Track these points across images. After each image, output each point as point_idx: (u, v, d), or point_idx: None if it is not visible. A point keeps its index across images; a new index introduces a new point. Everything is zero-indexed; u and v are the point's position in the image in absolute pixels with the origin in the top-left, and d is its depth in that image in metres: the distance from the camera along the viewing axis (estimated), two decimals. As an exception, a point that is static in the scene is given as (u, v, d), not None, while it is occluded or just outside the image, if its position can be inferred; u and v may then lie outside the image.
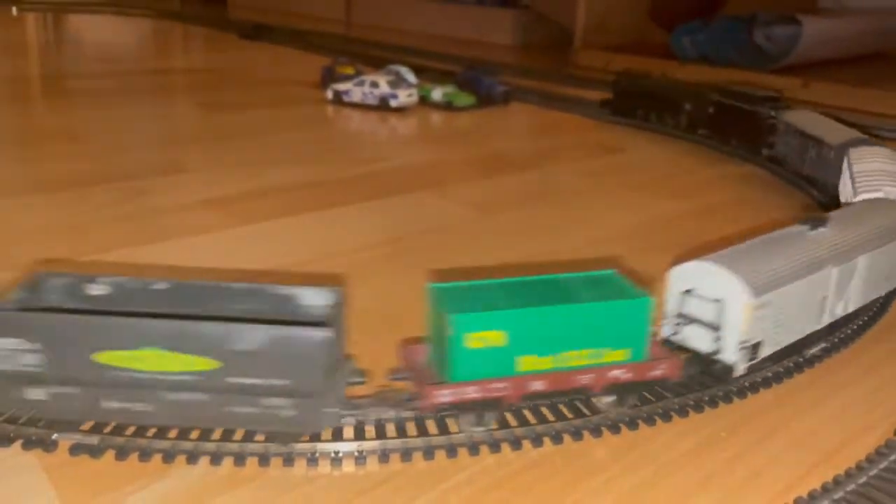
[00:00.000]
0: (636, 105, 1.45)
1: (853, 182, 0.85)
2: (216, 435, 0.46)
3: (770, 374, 0.57)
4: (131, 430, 0.46)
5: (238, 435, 0.47)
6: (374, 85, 1.49)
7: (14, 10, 3.06)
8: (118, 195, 0.94)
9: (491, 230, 0.88)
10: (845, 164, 0.92)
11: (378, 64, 1.88)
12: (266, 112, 1.45)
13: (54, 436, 0.45)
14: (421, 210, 0.93)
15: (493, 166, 1.15)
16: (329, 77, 1.66)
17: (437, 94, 1.55)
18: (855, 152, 0.93)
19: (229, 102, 1.54)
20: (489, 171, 1.12)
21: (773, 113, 1.18)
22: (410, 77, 1.63)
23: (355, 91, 1.51)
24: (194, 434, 0.46)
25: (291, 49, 2.37)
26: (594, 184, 1.08)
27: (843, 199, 0.88)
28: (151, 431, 0.46)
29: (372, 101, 1.49)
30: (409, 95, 1.50)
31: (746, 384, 0.55)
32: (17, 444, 0.45)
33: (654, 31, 2.46)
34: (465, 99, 1.55)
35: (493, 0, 2.77)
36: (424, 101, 1.56)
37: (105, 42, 2.45)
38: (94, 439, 0.45)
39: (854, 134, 1.01)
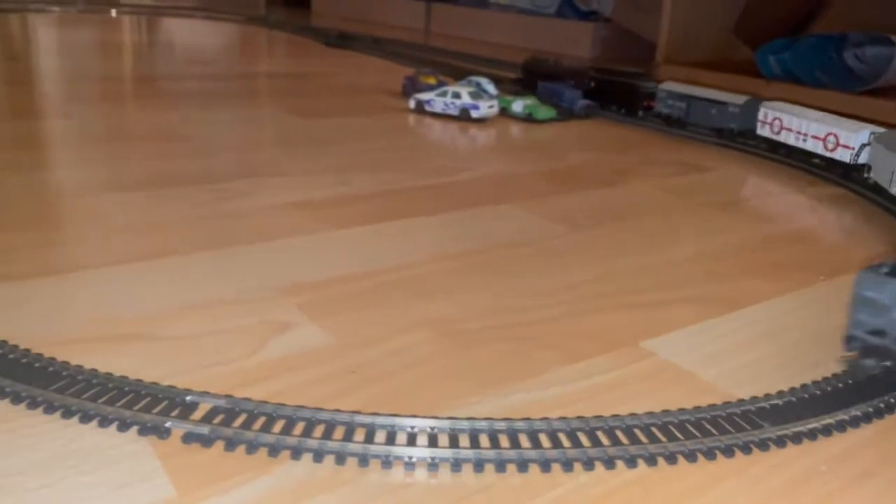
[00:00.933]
0: (537, 82, 1.73)
1: (829, 124, 1.20)
2: (317, 432, 0.48)
3: (871, 409, 0.55)
4: (239, 421, 0.48)
5: (338, 434, 0.48)
6: (456, 96, 1.51)
7: (113, 11, 3.21)
8: (211, 195, 0.98)
9: (578, 245, 0.88)
10: (775, 114, 1.32)
11: (457, 73, 1.90)
12: (350, 119, 1.49)
13: (167, 423, 0.48)
14: (505, 223, 0.94)
15: (576, 180, 1.15)
16: (411, 87, 1.69)
17: (518, 106, 1.56)
18: (774, 106, 1.33)
19: (314, 108, 1.58)
20: (571, 184, 1.12)
21: (651, 84, 1.59)
22: (491, 88, 1.65)
23: (437, 101, 1.53)
24: (297, 430, 0.48)
25: (373, 57, 2.41)
26: (678, 202, 1.07)
27: (803, 137, 1.26)
28: (258, 424, 0.48)
29: (453, 111, 1.51)
30: (490, 107, 1.52)
31: (847, 417, 0.54)
32: (134, 429, 0.48)
33: (739, 48, 2.41)
34: (546, 112, 1.55)
35: (574, 13, 2.77)
36: (505, 112, 1.57)
37: (195, 45, 2.55)
38: (204, 429, 0.47)
39: (744, 95, 1.42)
